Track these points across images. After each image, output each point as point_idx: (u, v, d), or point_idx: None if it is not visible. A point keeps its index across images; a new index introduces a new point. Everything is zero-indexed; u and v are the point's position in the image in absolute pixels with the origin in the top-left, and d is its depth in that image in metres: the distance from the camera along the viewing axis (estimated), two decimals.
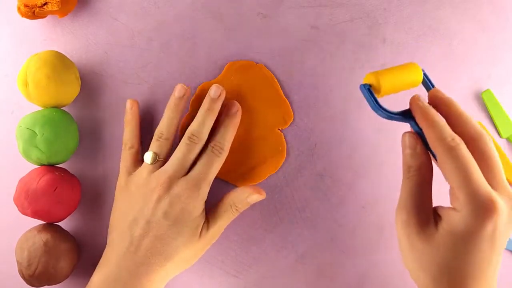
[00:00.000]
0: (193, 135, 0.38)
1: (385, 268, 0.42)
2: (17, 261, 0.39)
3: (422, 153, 0.33)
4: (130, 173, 0.40)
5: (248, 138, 0.41)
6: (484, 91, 0.42)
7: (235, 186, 0.42)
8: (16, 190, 0.40)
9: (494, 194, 0.29)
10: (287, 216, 0.42)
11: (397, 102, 0.37)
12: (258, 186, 0.41)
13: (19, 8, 0.42)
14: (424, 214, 0.32)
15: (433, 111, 0.32)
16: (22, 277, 0.39)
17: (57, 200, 0.39)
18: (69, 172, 0.42)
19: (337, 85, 0.43)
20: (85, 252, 0.43)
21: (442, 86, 0.42)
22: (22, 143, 0.39)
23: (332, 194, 0.42)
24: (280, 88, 0.42)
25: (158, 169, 0.38)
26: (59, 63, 0.40)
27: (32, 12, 0.42)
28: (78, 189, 0.41)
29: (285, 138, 0.42)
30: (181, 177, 0.37)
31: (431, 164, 0.33)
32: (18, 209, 0.40)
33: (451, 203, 0.32)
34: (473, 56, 0.43)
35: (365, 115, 0.42)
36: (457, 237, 0.30)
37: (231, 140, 0.40)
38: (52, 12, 0.42)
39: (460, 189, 0.30)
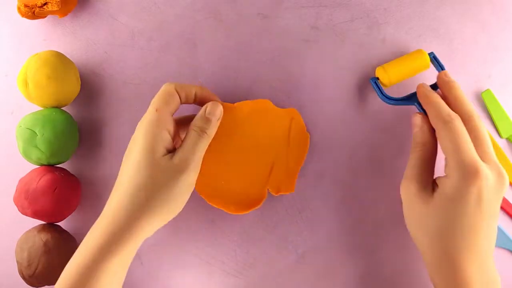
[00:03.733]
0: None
1: (385, 268, 0.42)
2: (17, 261, 0.39)
3: (427, 131, 0.38)
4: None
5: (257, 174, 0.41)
6: (484, 91, 0.42)
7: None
8: (16, 190, 0.40)
9: (480, 162, 0.34)
10: (287, 216, 0.42)
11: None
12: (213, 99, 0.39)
13: (19, 8, 0.42)
14: (424, 182, 0.37)
15: (433, 94, 0.38)
16: (22, 277, 0.39)
17: (57, 200, 0.39)
18: (69, 172, 0.42)
19: (337, 85, 0.43)
20: None
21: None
22: (22, 143, 0.39)
23: (332, 194, 0.42)
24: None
25: None
26: (59, 63, 0.40)
27: (32, 12, 0.42)
28: (78, 189, 0.41)
29: None
30: None
31: (435, 141, 0.38)
32: (18, 209, 0.40)
33: (445, 171, 0.36)
34: (473, 56, 0.43)
35: (365, 115, 0.43)
36: (447, 201, 0.34)
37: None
38: (52, 12, 0.42)
39: (450, 157, 0.34)
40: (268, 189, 0.41)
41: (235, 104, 0.41)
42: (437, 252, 0.35)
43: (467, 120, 0.36)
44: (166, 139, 0.36)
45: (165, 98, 0.37)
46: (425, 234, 0.35)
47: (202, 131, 0.37)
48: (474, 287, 0.33)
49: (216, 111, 0.38)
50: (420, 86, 0.39)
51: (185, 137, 0.37)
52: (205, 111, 0.38)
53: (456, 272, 0.34)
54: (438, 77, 0.39)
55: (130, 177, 0.35)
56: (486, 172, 0.34)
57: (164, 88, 0.38)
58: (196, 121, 0.37)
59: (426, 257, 0.36)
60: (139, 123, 0.37)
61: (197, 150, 0.36)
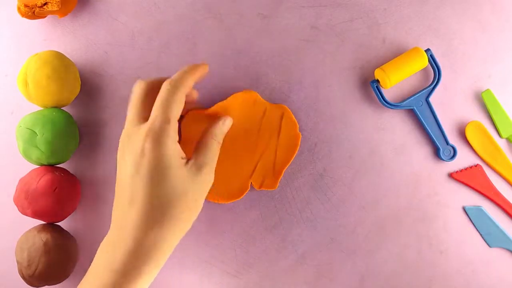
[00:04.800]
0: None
1: (385, 268, 0.42)
2: (17, 261, 0.39)
3: None
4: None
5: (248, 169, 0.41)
6: (484, 91, 0.42)
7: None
8: (16, 190, 0.40)
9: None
10: (287, 216, 0.42)
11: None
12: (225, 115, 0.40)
13: (19, 8, 0.42)
14: None
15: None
16: (22, 277, 0.39)
17: (57, 200, 0.39)
18: (69, 172, 0.42)
19: (337, 85, 0.43)
20: (85, 252, 0.43)
21: (443, 86, 0.42)
22: (22, 143, 0.39)
23: (332, 194, 0.42)
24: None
25: None
26: (59, 63, 0.40)
27: (32, 12, 0.42)
28: (78, 189, 0.41)
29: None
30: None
31: None
32: (18, 209, 0.40)
33: None
34: (473, 56, 0.43)
35: (365, 115, 0.43)
36: None
37: (190, 79, 0.37)
38: (52, 12, 0.42)
39: None
40: (251, 183, 0.41)
41: (226, 100, 0.41)
42: None
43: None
44: (179, 149, 0.36)
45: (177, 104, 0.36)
46: None
47: (219, 141, 0.38)
48: None
49: (230, 123, 0.40)
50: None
51: (204, 145, 0.37)
52: (223, 123, 0.39)
53: None
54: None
55: (146, 192, 0.34)
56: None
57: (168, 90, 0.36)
58: (216, 131, 0.38)
59: None
60: (144, 133, 0.35)
61: (216, 157, 0.37)
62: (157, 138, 0.34)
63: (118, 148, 0.38)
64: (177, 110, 0.35)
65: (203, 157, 0.36)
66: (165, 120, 0.35)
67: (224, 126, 0.39)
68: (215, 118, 0.39)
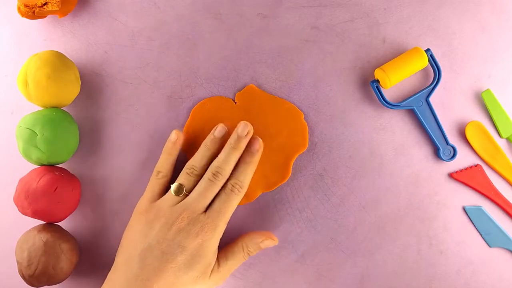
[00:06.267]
0: (217, 172, 0.38)
1: (385, 268, 0.42)
2: (17, 261, 0.39)
3: None
4: (153, 200, 0.39)
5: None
6: (484, 91, 0.42)
7: None
8: (16, 190, 0.40)
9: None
10: (287, 216, 0.42)
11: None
12: (270, 232, 0.41)
13: (19, 8, 0.42)
14: None
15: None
16: (22, 277, 0.39)
17: (57, 200, 0.39)
18: (69, 172, 0.42)
19: (337, 85, 0.43)
20: (85, 252, 0.43)
21: (443, 86, 0.42)
22: (22, 143, 0.39)
23: (332, 194, 0.42)
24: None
25: (180, 201, 0.38)
26: (59, 63, 0.40)
27: (32, 12, 0.42)
28: (78, 189, 0.41)
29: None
30: (201, 212, 0.37)
31: None
32: (18, 209, 0.40)
33: None
34: (473, 56, 0.43)
35: (365, 115, 0.43)
36: None
37: (251, 178, 0.40)
38: (52, 12, 0.42)
39: None
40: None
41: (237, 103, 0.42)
42: None
43: None
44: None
45: None
46: None
47: (249, 254, 0.40)
48: None
49: (270, 244, 0.41)
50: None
51: (232, 253, 0.39)
52: (262, 242, 0.40)
53: None
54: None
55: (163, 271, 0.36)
56: None
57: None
58: (250, 244, 0.40)
59: None
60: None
61: (237, 266, 0.40)
62: (214, 228, 0.37)
63: (139, 211, 0.39)
64: (231, 213, 0.39)
65: (227, 267, 0.39)
66: (226, 218, 0.38)
67: (262, 244, 0.40)
68: (255, 234, 0.41)
